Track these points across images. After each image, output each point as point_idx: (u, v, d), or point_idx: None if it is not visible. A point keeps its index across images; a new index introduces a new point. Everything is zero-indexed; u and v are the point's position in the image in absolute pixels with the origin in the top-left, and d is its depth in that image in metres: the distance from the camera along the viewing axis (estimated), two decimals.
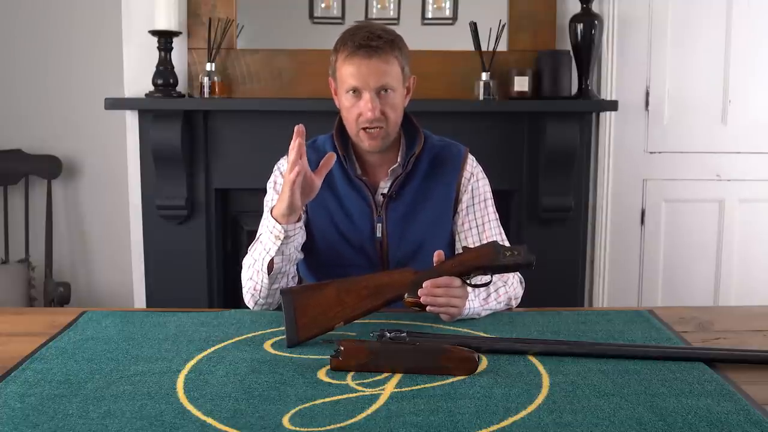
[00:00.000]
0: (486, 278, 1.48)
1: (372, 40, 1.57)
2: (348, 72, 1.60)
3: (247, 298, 1.63)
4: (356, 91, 1.60)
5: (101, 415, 1.07)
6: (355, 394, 1.14)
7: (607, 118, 2.90)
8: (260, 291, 1.59)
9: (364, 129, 1.62)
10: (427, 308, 1.45)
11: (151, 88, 2.73)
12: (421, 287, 1.43)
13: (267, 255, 1.54)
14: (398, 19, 2.85)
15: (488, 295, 1.56)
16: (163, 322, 1.51)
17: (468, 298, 1.50)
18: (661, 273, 3.08)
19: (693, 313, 1.62)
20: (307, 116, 2.69)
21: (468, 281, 1.46)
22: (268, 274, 1.56)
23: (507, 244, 1.70)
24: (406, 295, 1.45)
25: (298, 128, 1.47)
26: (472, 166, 1.75)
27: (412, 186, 1.70)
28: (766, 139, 3.02)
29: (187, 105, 2.75)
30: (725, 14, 2.95)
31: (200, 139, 2.80)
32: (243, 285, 1.63)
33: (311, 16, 2.85)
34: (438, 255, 1.46)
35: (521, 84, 2.76)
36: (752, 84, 2.99)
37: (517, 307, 1.65)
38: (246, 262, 1.63)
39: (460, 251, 1.54)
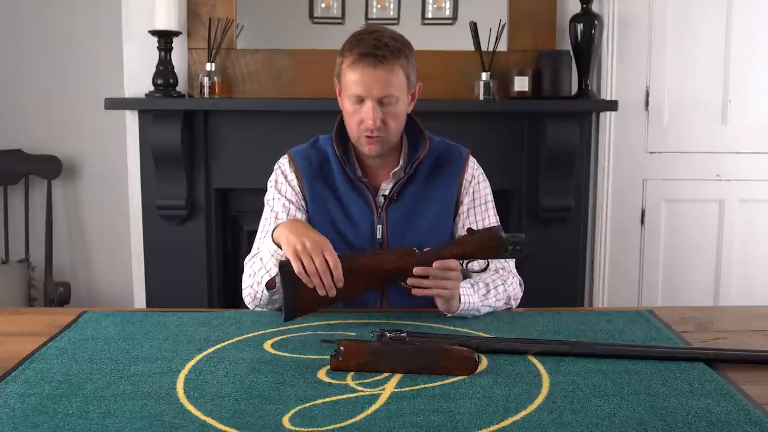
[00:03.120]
0: (482, 263, 1.49)
1: (378, 48, 1.55)
2: (352, 79, 1.58)
3: (247, 301, 1.63)
4: (359, 99, 1.59)
5: (101, 415, 1.07)
6: (355, 394, 1.14)
7: (607, 118, 2.90)
8: (260, 299, 1.59)
9: (365, 135, 1.62)
10: (413, 291, 1.47)
11: (151, 88, 2.73)
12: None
13: (267, 274, 1.54)
14: (398, 19, 2.85)
15: (488, 291, 1.57)
16: (163, 322, 1.51)
17: (462, 283, 1.51)
18: (661, 273, 3.08)
19: (693, 313, 1.62)
20: (307, 116, 2.70)
21: (465, 265, 1.48)
22: (268, 290, 1.55)
23: None
24: (402, 284, 1.48)
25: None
26: (473, 168, 1.75)
27: (413, 188, 1.70)
28: (766, 139, 3.02)
29: (187, 105, 2.75)
30: (725, 14, 2.95)
31: (200, 139, 2.80)
32: (243, 288, 1.63)
33: (311, 16, 2.85)
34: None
35: (521, 84, 2.76)
36: (752, 84, 2.99)
37: (517, 307, 1.66)
38: (246, 270, 1.62)
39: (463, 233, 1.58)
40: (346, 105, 1.62)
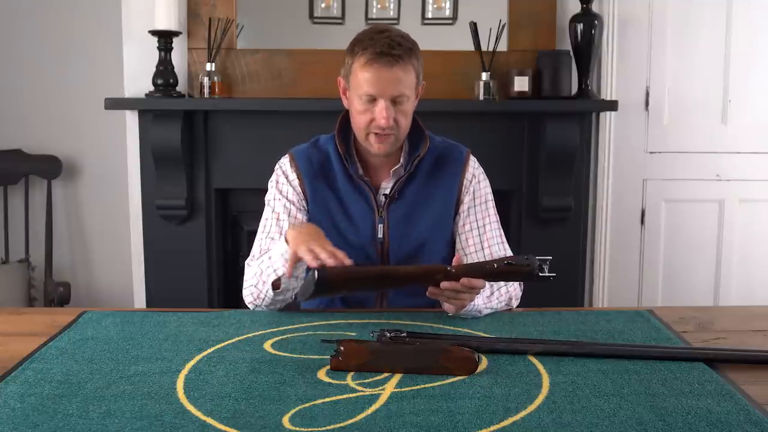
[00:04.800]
0: None
1: (393, 48, 1.55)
2: (365, 78, 1.57)
3: (248, 300, 1.62)
4: (372, 98, 1.58)
5: (101, 415, 1.07)
6: (355, 394, 1.14)
7: (607, 118, 2.90)
8: (263, 299, 1.58)
9: (374, 133, 1.61)
10: (427, 294, 1.45)
11: (151, 88, 2.73)
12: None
13: (274, 274, 1.54)
14: (398, 19, 2.85)
15: (491, 293, 1.57)
16: (163, 322, 1.51)
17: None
18: (661, 273, 3.08)
19: (693, 313, 1.62)
20: (307, 116, 2.70)
21: None
22: (274, 290, 1.55)
23: (507, 245, 1.74)
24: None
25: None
26: (474, 168, 1.75)
27: (414, 187, 1.70)
28: (766, 139, 3.02)
29: (187, 105, 2.75)
30: (725, 14, 2.95)
31: (200, 139, 2.80)
32: (244, 287, 1.62)
33: (311, 16, 2.85)
34: (457, 259, 1.45)
35: (521, 84, 2.76)
36: (752, 84, 2.99)
37: (517, 307, 1.66)
38: (250, 269, 1.62)
39: (476, 258, 1.61)
40: (356, 104, 1.61)
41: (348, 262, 1.40)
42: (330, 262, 1.38)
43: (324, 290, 1.36)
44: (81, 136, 3.18)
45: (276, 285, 1.55)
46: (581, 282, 2.96)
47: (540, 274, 1.39)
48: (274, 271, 1.54)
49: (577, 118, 2.78)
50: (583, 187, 2.91)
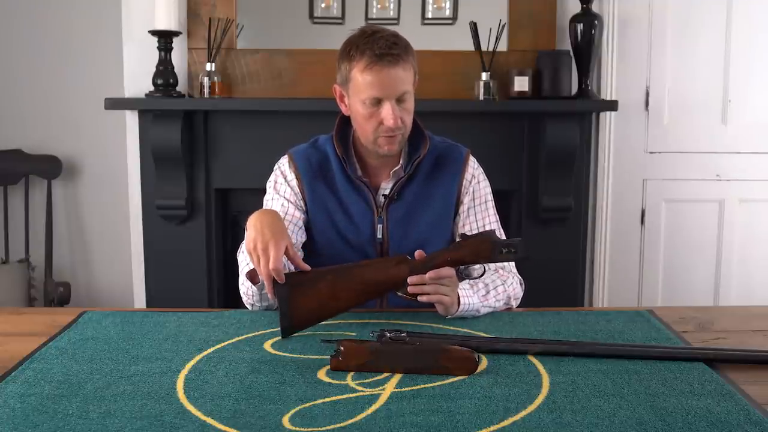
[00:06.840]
0: (479, 269, 1.49)
1: (392, 48, 1.55)
2: (367, 81, 1.56)
3: (244, 300, 1.62)
4: (377, 100, 1.57)
5: (101, 415, 1.07)
6: (355, 394, 1.14)
7: (607, 118, 2.90)
8: (252, 296, 1.58)
9: (383, 135, 1.60)
10: (418, 298, 1.46)
11: (151, 88, 2.73)
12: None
13: (248, 266, 1.54)
14: (398, 19, 2.85)
15: (487, 292, 1.57)
16: (163, 322, 1.51)
17: (459, 286, 1.50)
18: (661, 273, 3.08)
19: (693, 313, 1.62)
20: (307, 116, 2.70)
21: (462, 270, 1.48)
22: (253, 284, 1.54)
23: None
24: (399, 293, 1.48)
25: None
26: (474, 168, 1.75)
27: (414, 187, 1.70)
28: (766, 139, 3.02)
29: (187, 105, 2.75)
30: (725, 14, 2.95)
31: (200, 139, 2.80)
32: (239, 287, 1.62)
33: (311, 16, 2.85)
34: (419, 254, 1.46)
35: (521, 84, 2.76)
36: (752, 84, 2.99)
37: (517, 307, 1.66)
38: (240, 264, 1.62)
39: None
40: (360, 109, 1.60)
41: (305, 267, 1.43)
42: (267, 281, 1.39)
43: (292, 316, 1.39)
44: (81, 136, 3.18)
45: (253, 278, 1.53)
46: (581, 282, 2.96)
47: (504, 243, 1.42)
48: (248, 263, 1.53)
49: (577, 118, 2.78)
50: (583, 187, 2.91)
